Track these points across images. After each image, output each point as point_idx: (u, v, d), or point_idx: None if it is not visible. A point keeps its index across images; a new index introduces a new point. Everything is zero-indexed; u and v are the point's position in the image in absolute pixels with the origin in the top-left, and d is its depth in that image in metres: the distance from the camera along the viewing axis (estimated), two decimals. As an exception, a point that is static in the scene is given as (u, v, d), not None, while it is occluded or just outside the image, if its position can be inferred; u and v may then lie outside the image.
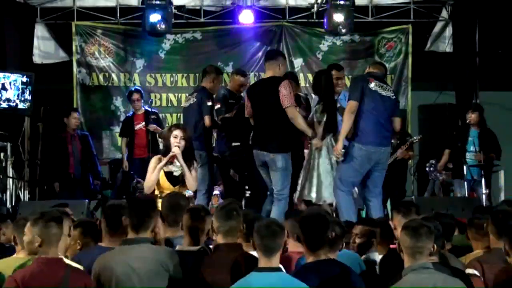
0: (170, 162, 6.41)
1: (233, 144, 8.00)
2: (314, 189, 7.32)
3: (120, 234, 4.32)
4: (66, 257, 4.17)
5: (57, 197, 9.40)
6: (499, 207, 5.28)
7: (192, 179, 6.38)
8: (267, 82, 7.22)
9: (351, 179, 6.85)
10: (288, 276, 3.82)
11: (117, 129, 11.43)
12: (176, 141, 6.44)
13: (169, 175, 6.42)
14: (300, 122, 7.02)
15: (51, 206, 4.29)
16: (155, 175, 6.35)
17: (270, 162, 7.01)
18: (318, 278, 3.88)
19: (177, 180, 6.41)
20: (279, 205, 7.00)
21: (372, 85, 6.78)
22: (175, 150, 6.36)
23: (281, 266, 3.94)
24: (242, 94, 8.29)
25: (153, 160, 6.50)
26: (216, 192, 9.21)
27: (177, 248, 4.49)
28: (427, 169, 9.94)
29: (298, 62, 11.85)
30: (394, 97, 7.01)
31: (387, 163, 7.13)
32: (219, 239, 4.27)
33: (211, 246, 4.56)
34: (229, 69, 11.52)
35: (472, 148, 9.20)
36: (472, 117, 9.26)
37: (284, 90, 6.91)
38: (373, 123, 6.74)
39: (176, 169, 6.41)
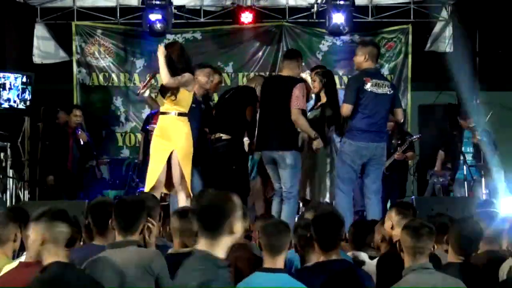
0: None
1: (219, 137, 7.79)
2: (309, 189, 7.40)
3: (108, 232, 4.18)
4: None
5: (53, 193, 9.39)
6: None
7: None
8: (284, 80, 7.19)
9: (347, 175, 6.91)
10: (290, 278, 3.79)
11: (117, 129, 11.44)
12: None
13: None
14: (302, 123, 7.02)
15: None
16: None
17: (279, 159, 6.99)
18: (326, 276, 3.88)
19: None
20: (289, 203, 6.98)
21: (368, 85, 6.80)
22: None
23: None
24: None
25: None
26: None
27: (170, 251, 4.42)
28: (428, 179, 9.98)
29: (298, 62, 11.85)
30: (392, 91, 6.97)
31: (383, 159, 7.14)
32: None
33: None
34: (229, 69, 11.53)
35: (468, 149, 9.21)
36: (466, 123, 9.32)
37: (298, 92, 6.95)
38: (365, 122, 6.82)
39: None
